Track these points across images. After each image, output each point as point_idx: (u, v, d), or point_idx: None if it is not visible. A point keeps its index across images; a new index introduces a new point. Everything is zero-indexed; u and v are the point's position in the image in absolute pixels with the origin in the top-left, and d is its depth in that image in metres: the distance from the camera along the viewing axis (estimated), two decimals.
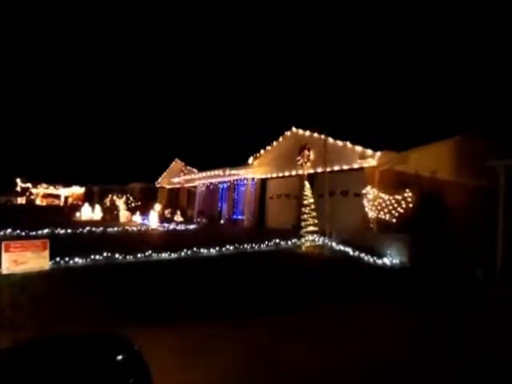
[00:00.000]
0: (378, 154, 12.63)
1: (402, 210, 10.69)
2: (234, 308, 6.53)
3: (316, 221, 12.45)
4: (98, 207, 23.97)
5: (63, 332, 5.08)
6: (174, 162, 29.53)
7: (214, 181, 23.39)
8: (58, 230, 14.77)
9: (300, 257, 11.30)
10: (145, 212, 22.80)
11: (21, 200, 43.29)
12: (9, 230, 13.91)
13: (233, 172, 20.23)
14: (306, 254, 11.55)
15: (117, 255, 9.86)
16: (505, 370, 4.58)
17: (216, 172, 21.53)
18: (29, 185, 45.45)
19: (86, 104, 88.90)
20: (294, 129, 17.36)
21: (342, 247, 11.60)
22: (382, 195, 11.24)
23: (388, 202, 11.00)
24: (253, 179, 19.72)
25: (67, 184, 45.73)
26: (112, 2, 69.38)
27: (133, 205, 26.81)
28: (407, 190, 10.70)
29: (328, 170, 13.82)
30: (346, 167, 14.03)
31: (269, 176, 18.92)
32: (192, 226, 19.39)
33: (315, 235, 12.44)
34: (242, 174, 20.00)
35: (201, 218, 22.72)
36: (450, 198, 11.32)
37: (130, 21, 75.61)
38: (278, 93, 57.59)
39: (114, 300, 6.60)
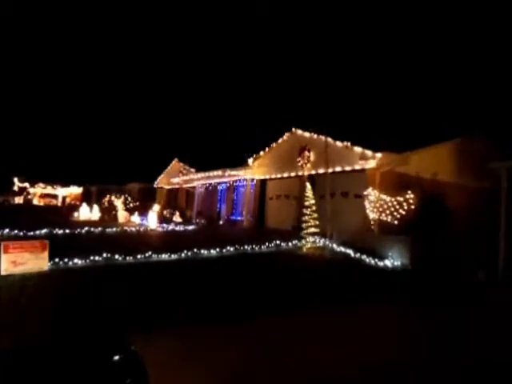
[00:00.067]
0: (379, 155, 12.60)
1: (403, 212, 10.64)
2: (235, 310, 6.46)
3: (317, 222, 12.40)
4: (96, 207, 23.85)
5: (61, 332, 5.04)
6: (172, 163, 29.43)
7: (213, 181, 23.31)
8: (56, 230, 14.65)
9: (301, 258, 11.24)
10: (143, 212, 22.69)
11: (18, 200, 43.04)
12: (6, 230, 13.81)
13: (232, 173, 20.16)
14: (307, 256, 11.49)
15: (116, 256, 9.77)
16: (505, 370, 4.57)
17: (215, 173, 21.45)
18: (26, 184, 45.20)
19: (85, 103, 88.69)
20: (294, 130, 17.31)
21: (342, 249, 11.55)
22: (384, 197, 11.20)
23: (390, 204, 10.95)
24: (252, 180, 19.66)
25: (65, 184, 45.53)
26: (112, 2, 69.24)
27: (131, 205, 26.71)
28: (409, 192, 10.66)
29: (325, 171, 13.78)
30: (346, 168, 13.99)
31: (268, 177, 18.86)
32: (191, 227, 19.31)
33: (316, 237, 12.39)
34: (241, 174, 19.94)
35: (200, 219, 22.63)
36: (451, 199, 11.29)
37: (130, 21, 75.51)
38: (277, 93, 57.61)
39: (114, 301, 6.52)
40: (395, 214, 10.85)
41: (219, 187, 23.38)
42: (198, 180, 24.49)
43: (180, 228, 18.78)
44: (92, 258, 9.44)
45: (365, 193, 12.06)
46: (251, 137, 29.51)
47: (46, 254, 8.26)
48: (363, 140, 13.78)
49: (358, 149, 13.45)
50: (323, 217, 12.94)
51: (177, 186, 28.28)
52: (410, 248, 10.20)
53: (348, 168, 13.90)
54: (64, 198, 46.14)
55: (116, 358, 2.63)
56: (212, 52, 71.65)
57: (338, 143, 14.23)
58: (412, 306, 7.31)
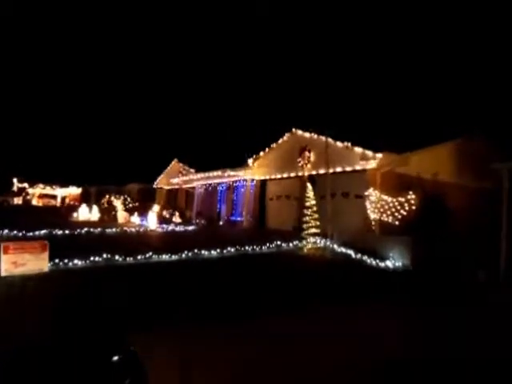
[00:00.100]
0: (379, 155, 12.59)
1: (404, 213, 10.63)
2: (236, 311, 6.41)
3: (318, 223, 12.37)
4: (95, 208, 23.79)
5: (61, 333, 5.02)
6: (172, 163, 29.37)
7: (212, 182, 23.28)
8: (56, 230, 14.61)
9: (302, 259, 11.21)
10: (143, 213, 22.65)
11: (17, 200, 42.94)
12: (6, 231, 13.77)
13: (232, 173, 20.13)
14: (308, 256, 11.46)
15: (117, 257, 9.73)
16: (505, 368, 4.60)
17: (215, 173, 21.42)
18: (25, 185, 45.12)
19: (84, 104, 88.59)
20: (294, 130, 17.29)
21: (343, 249, 11.52)
22: (385, 197, 11.18)
23: (391, 204, 10.94)
24: (252, 180, 19.63)
25: (64, 184, 45.44)
26: (112, 2, 69.19)
27: (130, 205, 26.65)
28: (410, 192, 10.64)
29: (326, 171, 13.75)
30: (346, 169, 13.97)
31: (268, 177, 18.84)
32: (191, 227, 19.27)
33: (317, 237, 12.36)
34: (241, 175, 19.91)
35: (199, 219, 22.60)
36: (451, 200, 11.28)
37: (130, 21, 75.48)
38: (277, 94, 57.62)
39: (115, 302, 6.49)
40: (396, 214, 10.83)
41: (219, 188, 23.34)
42: (197, 180, 24.45)
43: (180, 228, 18.74)
44: (92, 258, 9.41)
45: (366, 193, 12.04)
46: (251, 137, 29.48)
47: (46, 255, 8.22)
48: (364, 140, 13.77)
49: (358, 149, 13.43)
50: (324, 217, 12.91)
51: (176, 187, 28.24)
52: (411, 249, 10.18)
53: (348, 168, 13.88)
54: (63, 199, 46.06)
55: (115, 358, 2.63)
56: (212, 52, 71.68)
57: (339, 143, 14.21)
58: (414, 306, 7.29)
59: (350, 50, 51.92)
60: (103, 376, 2.65)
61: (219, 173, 20.94)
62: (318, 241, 12.33)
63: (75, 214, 22.95)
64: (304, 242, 12.32)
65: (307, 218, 12.40)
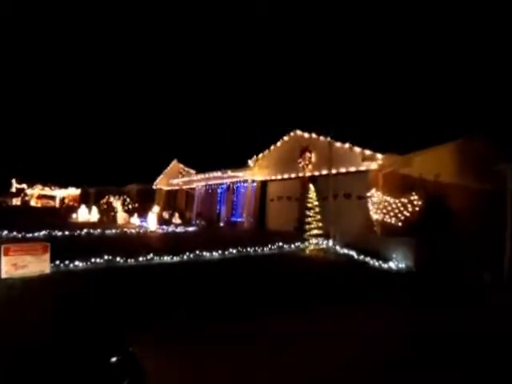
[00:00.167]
0: (382, 156, 12.54)
1: (407, 214, 10.57)
2: (238, 313, 6.34)
3: (320, 224, 12.31)
4: (94, 209, 23.68)
5: (61, 334, 4.97)
6: (172, 164, 29.26)
7: (212, 183, 23.20)
8: (56, 231, 14.50)
9: (304, 260, 11.15)
10: (143, 214, 22.55)
11: (16, 201, 42.80)
12: (5, 232, 13.65)
13: (232, 174, 20.06)
14: (310, 258, 11.40)
15: (118, 258, 9.64)
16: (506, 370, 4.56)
17: (215, 174, 21.34)
18: (24, 186, 44.96)
19: (83, 104, 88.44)
20: (295, 130, 17.24)
21: (346, 251, 11.46)
22: (388, 198, 11.12)
23: (394, 206, 10.88)
24: (253, 181, 19.56)
25: (63, 185, 45.31)
26: (112, 2, 69.09)
27: (130, 206, 26.54)
28: (413, 193, 10.59)
29: (329, 172, 13.70)
30: (348, 170, 13.91)
31: (269, 178, 18.78)
32: (191, 229, 19.18)
33: (319, 238, 12.30)
34: (241, 176, 19.84)
35: (200, 220, 22.51)
36: (453, 200, 11.24)
37: (130, 21, 75.38)
38: (278, 94, 57.60)
39: (116, 304, 6.43)
40: (399, 215, 10.78)
41: (219, 188, 23.27)
42: (197, 181, 24.37)
43: (180, 230, 18.65)
44: (93, 260, 9.32)
45: (368, 194, 11.99)
46: (251, 138, 29.42)
47: (47, 257, 8.13)
48: (365, 141, 13.73)
49: (360, 150, 13.38)
50: (326, 218, 12.86)
51: (176, 187, 28.14)
52: (415, 250, 10.12)
53: (350, 169, 13.83)
54: (63, 200, 45.92)
55: (114, 359, 2.68)
56: (212, 52, 71.62)
57: (341, 144, 14.16)
58: (418, 307, 7.23)
59: (352, 50, 51.95)
60: (102, 376, 2.69)
61: (219, 173, 20.87)
62: (321, 242, 12.26)
63: (74, 215, 22.85)
64: (306, 243, 12.25)
65: (309, 219, 12.33)
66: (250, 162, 19.56)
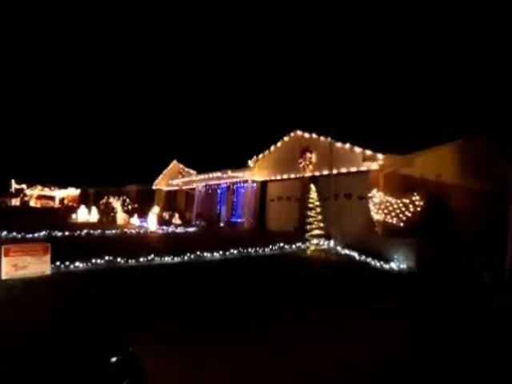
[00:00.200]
0: (383, 156, 12.53)
1: (409, 214, 10.54)
2: (239, 315, 6.30)
3: (322, 224, 12.27)
4: (94, 209, 23.63)
5: (62, 335, 4.95)
6: (171, 164, 29.21)
7: (212, 183, 23.15)
8: (56, 232, 14.46)
9: (306, 261, 11.11)
10: (142, 214, 22.51)
11: (15, 201, 42.71)
12: (4, 233, 13.61)
13: (232, 174, 20.02)
14: (312, 258, 11.36)
15: (118, 259, 9.61)
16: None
17: (215, 174, 21.29)
18: (23, 186, 44.87)
19: (83, 104, 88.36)
20: (295, 131, 17.21)
21: (347, 251, 11.44)
22: (390, 198, 11.09)
23: (395, 206, 10.85)
24: (253, 181, 19.53)
25: (62, 185, 45.22)
26: (112, 2, 69.04)
27: (129, 207, 26.49)
28: (415, 194, 10.56)
29: (330, 172, 13.67)
30: (349, 170, 13.89)
31: (269, 178, 18.76)
32: (192, 229, 19.12)
33: (321, 239, 12.26)
34: (241, 176, 19.80)
35: (200, 221, 22.47)
36: (454, 201, 11.23)
37: (130, 21, 75.34)
38: (278, 94, 57.58)
39: (117, 305, 6.40)
40: (401, 215, 10.75)
41: (219, 189, 23.23)
42: (197, 181, 24.32)
43: (180, 230, 18.60)
44: (94, 261, 9.28)
45: (369, 194, 11.96)
46: (252, 138, 29.39)
47: (48, 258, 8.08)
48: (366, 141, 13.71)
49: (361, 150, 13.36)
50: (326, 219, 12.83)
51: (176, 188, 28.08)
52: (416, 250, 10.10)
53: (351, 169, 13.80)
54: (62, 200, 45.83)
55: (114, 359, 2.71)
56: (213, 52, 71.59)
57: (341, 144, 14.14)
58: (418, 308, 7.23)
59: (352, 50, 51.96)
60: (102, 376, 2.71)
61: (219, 174, 20.82)
62: (321, 242, 12.23)
63: (74, 216, 22.79)
64: (307, 244, 12.22)
65: (311, 219, 12.29)
66: (250, 163, 19.54)
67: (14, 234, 13.63)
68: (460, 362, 4.75)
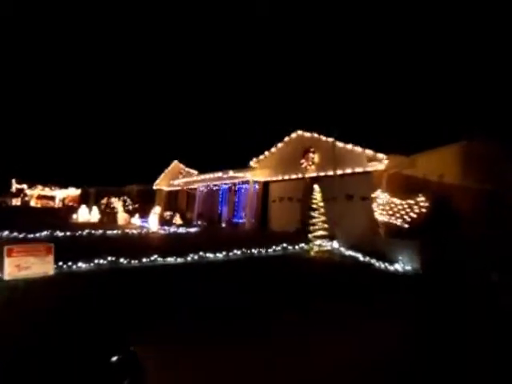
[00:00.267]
0: (386, 157, 12.47)
1: (414, 215, 10.48)
2: (242, 315, 6.24)
3: (326, 225, 12.20)
4: (95, 209, 23.57)
5: (63, 334, 4.91)
6: (172, 164, 29.13)
7: (214, 183, 23.09)
8: (57, 232, 14.40)
9: (309, 262, 11.04)
10: (143, 214, 22.45)
11: (15, 201, 42.66)
12: (6, 233, 13.56)
13: (234, 175, 19.96)
14: (315, 259, 11.30)
15: (121, 260, 9.55)
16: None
17: (216, 174, 21.24)
18: (24, 186, 44.80)
19: (83, 104, 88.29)
20: (298, 131, 17.15)
21: (351, 252, 11.37)
22: (394, 199, 11.03)
23: (400, 207, 10.78)
24: (255, 182, 19.47)
25: (63, 185, 45.15)
26: (112, 2, 69.00)
27: (130, 207, 26.45)
28: (420, 195, 10.50)
29: (333, 173, 13.62)
30: (352, 170, 13.83)
31: (271, 179, 18.70)
32: (193, 229, 19.06)
33: (324, 240, 12.20)
34: (243, 176, 19.73)
35: (201, 221, 22.41)
36: (459, 201, 11.16)
37: (130, 21, 75.30)
38: (280, 94, 57.56)
39: (118, 305, 6.36)
40: (405, 216, 10.68)
41: (220, 189, 23.17)
42: (198, 182, 24.25)
43: (182, 230, 18.54)
44: (96, 261, 9.23)
45: (373, 195, 11.89)
46: (253, 138, 29.34)
47: (51, 258, 8.02)
48: (369, 142, 13.67)
49: (364, 151, 13.31)
50: (330, 219, 12.76)
51: (177, 188, 28.01)
52: (421, 252, 10.03)
53: (354, 170, 13.74)
54: (63, 200, 45.78)
55: (114, 358, 2.71)
56: (214, 52, 71.54)
57: (344, 145, 14.08)
58: (422, 309, 7.15)
59: (355, 50, 51.88)
60: (103, 376, 2.71)
61: (221, 174, 20.76)
62: (324, 243, 12.17)
63: (75, 216, 22.72)
64: (311, 245, 12.15)
65: (314, 219, 12.22)
66: (252, 163, 19.48)
67: (16, 234, 13.58)
68: (464, 363, 4.71)
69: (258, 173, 19.14)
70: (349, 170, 13.87)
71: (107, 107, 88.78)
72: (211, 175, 21.88)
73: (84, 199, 36.49)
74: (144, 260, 9.83)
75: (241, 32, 65.51)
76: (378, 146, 13.13)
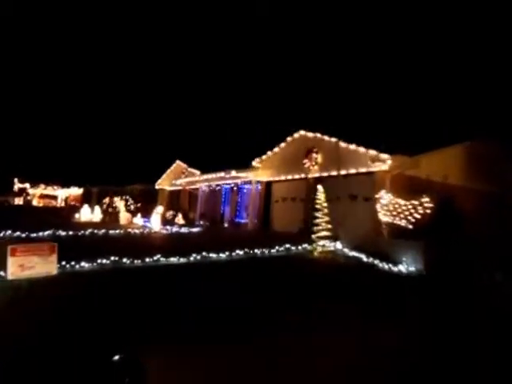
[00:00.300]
0: (390, 157, 12.42)
1: (418, 216, 10.42)
2: (245, 316, 6.22)
3: (329, 226, 12.15)
4: (97, 208, 23.58)
5: (62, 335, 4.90)
6: (175, 164, 29.13)
7: (216, 183, 23.06)
8: (60, 231, 14.40)
9: (312, 262, 11.01)
10: (145, 214, 22.43)
11: (18, 200, 42.73)
12: (9, 232, 13.57)
13: (236, 174, 19.92)
14: (319, 260, 11.26)
15: (124, 259, 9.54)
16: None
17: (219, 174, 21.20)
18: (26, 185, 44.86)
19: (85, 104, 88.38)
20: (300, 131, 17.11)
21: (355, 253, 11.33)
22: (399, 200, 10.98)
23: (404, 208, 10.73)
24: (257, 182, 19.44)
25: (65, 184, 45.17)
26: (112, 2, 69.10)
27: (132, 207, 26.44)
28: (424, 196, 10.45)
29: (336, 173, 13.58)
30: (355, 171, 13.77)
31: (274, 179, 18.66)
32: (196, 229, 19.03)
33: (328, 240, 12.15)
34: (246, 176, 19.70)
35: (203, 221, 22.38)
36: (462, 202, 11.11)
37: (131, 21, 75.34)
38: (283, 94, 57.44)
39: (121, 305, 6.36)
40: (409, 217, 10.63)
41: (223, 189, 23.14)
42: (201, 181, 24.23)
43: (184, 230, 18.52)
44: (99, 261, 9.22)
45: (377, 196, 11.85)
46: (256, 138, 29.29)
47: (54, 258, 8.01)
48: (373, 142, 13.60)
49: (368, 151, 13.26)
50: (333, 220, 12.72)
51: (179, 188, 28.00)
52: (425, 253, 9.98)
53: (358, 170, 13.69)
54: (66, 199, 45.83)
55: (115, 357, 2.68)
56: (216, 52, 71.53)
57: (347, 145, 14.03)
58: (425, 310, 7.13)
59: (359, 50, 51.79)
60: (103, 375, 2.71)
61: (223, 174, 20.73)
62: (328, 244, 12.12)
63: (77, 215, 22.74)
64: (314, 245, 12.11)
65: (318, 220, 12.17)
66: (255, 163, 19.44)
67: (18, 233, 13.59)
68: (468, 364, 4.71)
69: (260, 173, 19.10)
70: (352, 171, 13.82)
71: (110, 107, 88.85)
72: (214, 175, 21.85)
73: (86, 199, 36.51)
74: (147, 260, 9.81)
75: (243, 32, 65.44)
76: (381, 146, 13.07)
